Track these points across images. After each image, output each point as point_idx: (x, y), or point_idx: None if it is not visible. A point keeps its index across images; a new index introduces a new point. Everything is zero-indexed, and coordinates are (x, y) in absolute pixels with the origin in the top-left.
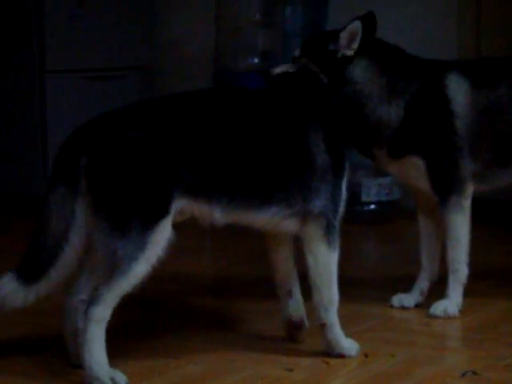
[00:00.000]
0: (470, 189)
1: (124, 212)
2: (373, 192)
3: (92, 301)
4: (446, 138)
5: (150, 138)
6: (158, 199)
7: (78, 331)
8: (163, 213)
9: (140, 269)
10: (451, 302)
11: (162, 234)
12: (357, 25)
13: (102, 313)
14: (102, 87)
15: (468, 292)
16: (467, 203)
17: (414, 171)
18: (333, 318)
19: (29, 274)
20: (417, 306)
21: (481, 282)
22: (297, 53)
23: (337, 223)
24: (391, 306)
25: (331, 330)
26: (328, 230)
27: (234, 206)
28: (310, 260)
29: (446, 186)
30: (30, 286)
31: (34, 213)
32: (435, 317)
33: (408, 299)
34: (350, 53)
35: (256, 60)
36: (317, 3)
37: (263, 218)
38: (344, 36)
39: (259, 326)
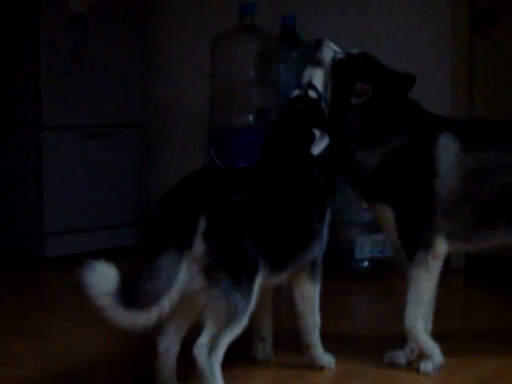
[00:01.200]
0: (440, 248)
1: (240, 270)
2: (366, 249)
3: (215, 346)
4: (422, 194)
5: (252, 206)
6: (256, 257)
7: (166, 370)
8: (258, 270)
9: (247, 319)
10: (433, 358)
11: (258, 289)
12: (368, 88)
13: (221, 355)
14: (97, 144)
15: (458, 350)
16: (435, 262)
17: (385, 219)
18: (315, 339)
19: (126, 299)
20: (409, 363)
21: (472, 339)
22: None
23: (320, 261)
24: (384, 363)
25: (314, 349)
26: (313, 269)
27: (273, 270)
28: (297, 294)
29: (413, 241)
30: (122, 307)
31: (30, 268)
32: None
33: (400, 357)
34: (354, 102)
35: (251, 118)
36: (310, 60)
37: (278, 281)
38: (357, 89)
39: None
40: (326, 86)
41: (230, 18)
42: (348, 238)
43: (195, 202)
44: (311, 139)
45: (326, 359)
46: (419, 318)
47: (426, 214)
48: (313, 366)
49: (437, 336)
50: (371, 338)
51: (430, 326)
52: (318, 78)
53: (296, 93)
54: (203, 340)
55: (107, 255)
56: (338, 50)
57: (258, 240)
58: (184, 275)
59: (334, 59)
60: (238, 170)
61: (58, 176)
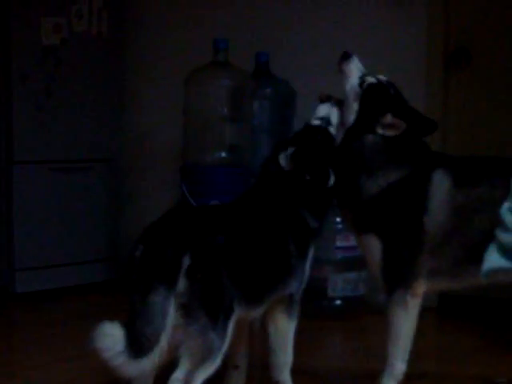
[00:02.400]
0: (419, 288)
1: (218, 309)
2: (339, 287)
3: (189, 382)
4: (410, 230)
5: (230, 244)
6: (232, 296)
7: None
8: (234, 309)
9: (221, 358)
10: None
11: (232, 329)
12: (402, 125)
13: None
14: (68, 179)
15: None
16: (414, 301)
17: (371, 251)
18: (286, 377)
19: (134, 349)
20: None
21: (445, 380)
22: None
23: (298, 298)
24: None
25: None
26: (289, 305)
27: (244, 309)
28: (271, 327)
29: (394, 278)
30: (133, 358)
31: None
32: None
33: None
34: (379, 131)
35: (224, 154)
36: (285, 98)
37: (255, 314)
38: (385, 122)
39: None
40: (347, 105)
41: (204, 54)
42: (321, 276)
43: (179, 240)
44: (327, 176)
45: None
46: (400, 358)
47: (411, 251)
48: None
49: (409, 376)
50: (344, 376)
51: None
52: (334, 116)
53: (316, 123)
54: (178, 375)
55: (77, 291)
56: (363, 69)
57: (235, 278)
58: (173, 311)
59: (361, 80)
60: (217, 207)
61: (29, 211)
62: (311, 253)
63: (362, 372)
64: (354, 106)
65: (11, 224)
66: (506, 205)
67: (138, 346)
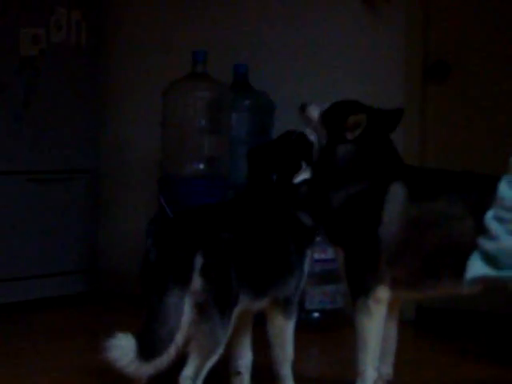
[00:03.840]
0: (382, 293)
1: (227, 304)
2: (316, 300)
3: (197, 378)
4: (367, 240)
5: (238, 242)
6: (238, 290)
7: None
8: (237, 303)
9: (224, 347)
10: None
11: (233, 320)
12: (363, 118)
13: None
14: (46, 190)
15: None
16: (377, 307)
17: (339, 262)
18: (286, 371)
19: (146, 352)
20: None
21: None
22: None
23: (295, 298)
24: None
25: (284, 379)
26: (287, 304)
27: (250, 301)
28: (270, 326)
29: (356, 285)
30: (144, 361)
31: None
32: None
33: None
34: (349, 137)
35: (202, 166)
36: (263, 110)
37: (258, 306)
38: (351, 122)
39: None
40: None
41: (182, 66)
42: None
43: (190, 241)
44: (297, 169)
45: None
46: (370, 365)
47: (370, 260)
48: None
49: None
50: None
51: (390, 372)
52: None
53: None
54: (188, 372)
55: (55, 303)
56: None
57: (242, 273)
58: (189, 310)
59: (321, 112)
60: (219, 206)
61: (5, 222)
62: (308, 256)
63: (339, 383)
64: (323, 132)
65: None
66: (490, 213)
67: (150, 349)
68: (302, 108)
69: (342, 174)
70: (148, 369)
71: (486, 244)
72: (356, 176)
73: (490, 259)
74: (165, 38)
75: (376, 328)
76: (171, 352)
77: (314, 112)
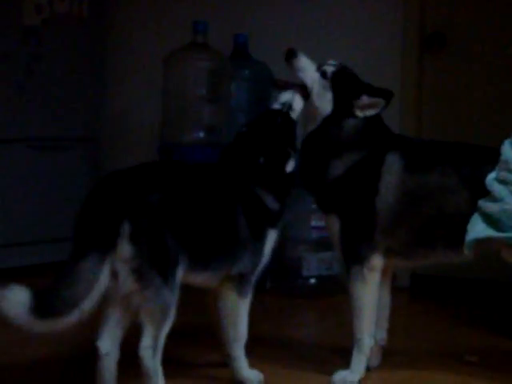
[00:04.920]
0: (376, 261)
1: (166, 265)
2: (313, 267)
3: (156, 347)
4: (363, 210)
5: (169, 202)
6: (175, 249)
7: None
8: (179, 263)
9: (175, 309)
10: (351, 372)
11: (178, 280)
12: (381, 103)
13: (161, 353)
14: (49, 157)
15: (404, 367)
16: (371, 275)
17: (333, 231)
18: (239, 351)
19: (41, 310)
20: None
21: (417, 357)
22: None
23: (252, 277)
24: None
25: (236, 361)
26: (240, 283)
27: (188, 267)
28: (220, 304)
29: (351, 254)
30: (38, 319)
31: None
32: None
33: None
34: (359, 114)
35: (201, 134)
36: (262, 79)
37: (203, 279)
38: (370, 102)
39: None
40: (316, 96)
41: (183, 36)
42: (295, 255)
43: (115, 205)
44: (286, 158)
45: (249, 374)
46: (366, 332)
47: (364, 228)
48: (235, 379)
49: (382, 353)
50: (318, 352)
51: (384, 337)
52: (297, 103)
53: (277, 107)
54: (146, 342)
55: (55, 268)
56: (310, 60)
57: (177, 235)
58: (105, 278)
59: (321, 71)
60: (158, 165)
61: (6, 188)
62: (272, 236)
63: (336, 348)
64: (326, 96)
65: None
66: (491, 175)
67: (47, 308)
68: (293, 54)
69: (344, 145)
70: (41, 326)
71: (489, 206)
72: (355, 146)
73: (492, 221)
74: (166, 8)
75: (371, 295)
76: (72, 316)
77: (307, 64)
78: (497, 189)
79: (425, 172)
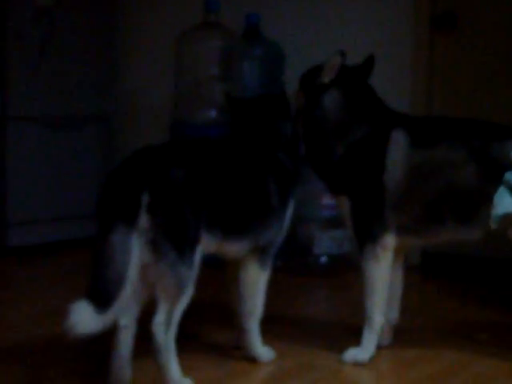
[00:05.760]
0: (387, 240)
1: (183, 240)
2: (324, 245)
3: (170, 323)
4: (372, 187)
5: (192, 180)
6: (196, 226)
7: (124, 346)
8: (199, 238)
9: (192, 287)
10: (362, 350)
11: (198, 258)
12: (336, 58)
13: (175, 330)
14: (62, 135)
15: (415, 345)
16: (384, 253)
17: (344, 211)
18: (253, 325)
19: (101, 303)
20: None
21: (428, 335)
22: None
23: (273, 249)
24: (340, 357)
25: (250, 335)
26: (263, 254)
27: (223, 239)
28: (242, 275)
29: (363, 233)
30: (101, 313)
31: None
32: (345, 363)
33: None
34: (326, 80)
35: (214, 113)
36: (274, 58)
37: (238, 248)
38: (325, 66)
39: None
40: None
41: (195, 15)
42: (307, 233)
43: (138, 177)
44: (290, 121)
45: (262, 351)
46: (378, 311)
47: (375, 207)
48: (247, 353)
49: (394, 331)
50: (329, 330)
51: (396, 316)
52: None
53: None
54: (160, 318)
55: (70, 245)
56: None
57: (202, 209)
58: (137, 247)
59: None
60: (186, 142)
61: (23, 166)
62: (291, 204)
63: (347, 326)
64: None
65: (5, 178)
66: None
67: (104, 297)
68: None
69: (336, 122)
70: (111, 316)
71: None
72: (353, 123)
73: None
74: None
75: (383, 274)
76: (127, 290)
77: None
78: None
79: (432, 146)
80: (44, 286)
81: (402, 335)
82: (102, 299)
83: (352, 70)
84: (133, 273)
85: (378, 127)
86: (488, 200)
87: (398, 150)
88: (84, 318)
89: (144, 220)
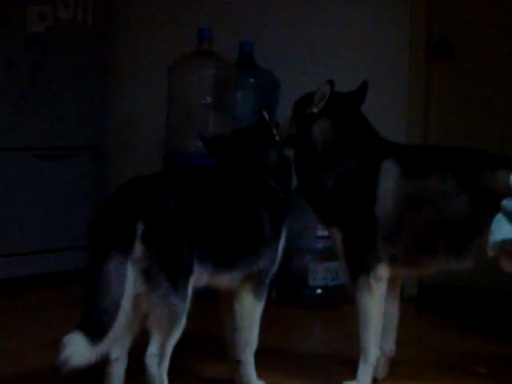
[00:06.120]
0: (382, 271)
1: (177, 271)
2: (319, 276)
3: (163, 355)
4: (363, 219)
5: (186, 210)
6: (190, 257)
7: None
8: (192, 270)
9: (185, 319)
10: (358, 383)
11: (190, 290)
12: (325, 87)
13: (168, 363)
14: (51, 166)
15: (411, 378)
16: (377, 285)
17: (336, 243)
18: (248, 358)
19: (95, 334)
20: None
21: (424, 367)
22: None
23: (267, 279)
24: None
25: (245, 367)
26: (257, 284)
27: (213, 271)
28: (237, 306)
29: (356, 264)
30: (95, 344)
31: None
32: None
33: None
34: (315, 110)
35: None
36: (268, 88)
37: (229, 280)
38: (316, 96)
39: None
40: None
41: (188, 43)
42: (302, 265)
43: (133, 206)
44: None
45: (257, 383)
46: (373, 343)
47: (367, 238)
48: None
49: (390, 364)
50: (324, 363)
51: (392, 348)
52: None
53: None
54: (153, 349)
55: (58, 278)
56: None
57: (195, 241)
58: (131, 276)
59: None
60: (180, 172)
61: (10, 197)
62: (284, 233)
63: (342, 359)
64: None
65: None
66: None
67: (98, 328)
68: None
69: (326, 152)
70: (104, 346)
71: None
72: (343, 154)
73: None
74: (171, 15)
75: (377, 306)
76: (121, 320)
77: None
78: None
79: (422, 177)
80: (31, 319)
81: (398, 368)
82: (96, 330)
83: (344, 98)
84: (127, 303)
85: (368, 157)
86: (480, 230)
87: (389, 180)
88: (78, 351)
89: (138, 249)
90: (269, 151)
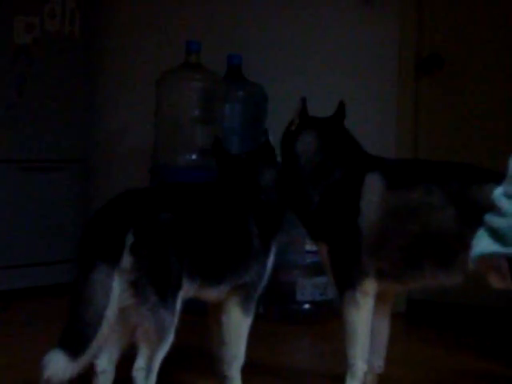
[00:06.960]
0: (369, 285)
1: (166, 285)
2: (307, 292)
3: (150, 369)
4: (347, 232)
5: (177, 224)
6: (179, 272)
7: None
8: (181, 284)
9: (173, 333)
10: None
11: (179, 304)
12: (298, 104)
13: (155, 376)
14: (37, 179)
15: None
16: (364, 300)
17: (323, 258)
18: (235, 372)
19: (75, 348)
20: None
21: (414, 383)
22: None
23: (256, 294)
24: None
25: (231, 382)
26: (246, 298)
27: (201, 284)
28: (224, 320)
29: (342, 279)
30: (76, 359)
31: None
32: None
33: None
34: (292, 127)
35: (194, 157)
36: (256, 101)
37: (217, 293)
38: (294, 114)
39: None
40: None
41: (176, 56)
42: (289, 280)
43: (124, 218)
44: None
45: None
46: (360, 357)
47: (352, 251)
48: None
49: (378, 380)
50: (312, 379)
51: (381, 364)
52: None
53: None
54: (140, 363)
55: (45, 292)
56: None
57: (184, 255)
58: (117, 288)
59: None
60: (171, 186)
61: None
62: (274, 249)
63: (330, 375)
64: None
65: None
66: (498, 190)
67: (79, 342)
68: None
69: (309, 167)
70: (86, 359)
71: (496, 221)
72: (327, 167)
73: (499, 237)
74: (159, 27)
75: (364, 321)
76: (104, 331)
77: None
78: (505, 204)
79: (407, 189)
80: (17, 333)
81: None
82: (77, 345)
83: (324, 117)
84: (111, 314)
85: (352, 170)
86: (466, 244)
87: (373, 193)
88: (59, 368)
89: (127, 261)
90: (267, 168)
